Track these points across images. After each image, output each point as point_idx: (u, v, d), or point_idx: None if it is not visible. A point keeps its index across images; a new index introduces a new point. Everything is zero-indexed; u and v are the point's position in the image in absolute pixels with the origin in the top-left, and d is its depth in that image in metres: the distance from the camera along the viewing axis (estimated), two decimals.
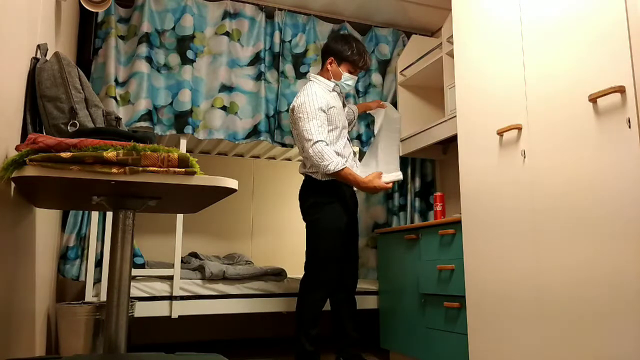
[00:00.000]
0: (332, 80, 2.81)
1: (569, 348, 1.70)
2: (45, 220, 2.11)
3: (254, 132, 3.10)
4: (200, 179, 1.27)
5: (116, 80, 2.86)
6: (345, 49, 2.80)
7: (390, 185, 2.63)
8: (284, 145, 3.20)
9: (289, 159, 4.36)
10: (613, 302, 1.56)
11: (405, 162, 3.44)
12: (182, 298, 2.79)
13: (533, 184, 1.90)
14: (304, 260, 2.68)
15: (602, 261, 1.60)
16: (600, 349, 1.59)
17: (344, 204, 2.68)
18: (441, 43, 3.03)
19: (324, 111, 2.65)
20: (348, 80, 2.83)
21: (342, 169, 2.55)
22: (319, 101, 2.64)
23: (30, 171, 1.13)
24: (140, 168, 1.20)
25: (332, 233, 2.61)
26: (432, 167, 3.53)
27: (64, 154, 1.15)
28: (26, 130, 1.52)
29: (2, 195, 1.29)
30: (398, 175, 2.70)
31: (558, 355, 1.74)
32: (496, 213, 2.08)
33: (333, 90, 2.81)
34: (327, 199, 2.65)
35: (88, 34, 2.97)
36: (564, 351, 1.72)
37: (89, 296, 2.61)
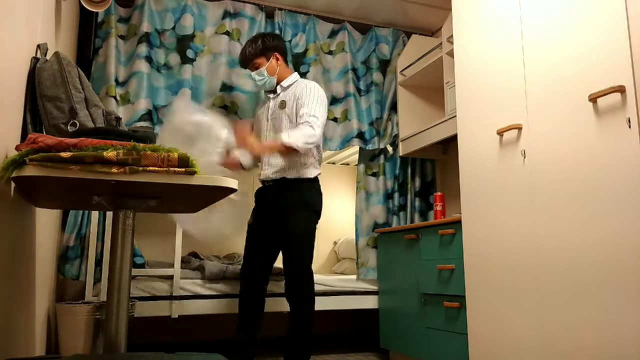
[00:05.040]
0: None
1: (568, 343, 1.70)
2: (45, 220, 2.11)
3: None
4: (201, 179, 1.27)
5: (116, 80, 2.86)
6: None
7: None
8: None
9: None
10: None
11: (405, 162, 3.44)
12: (182, 298, 2.78)
13: (533, 184, 1.90)
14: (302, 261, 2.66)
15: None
16: (601, 349, 1.59)
17: (257, 207, 2.74)
18: (441, 43, 3.03)
19: None
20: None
21: None
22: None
23: (30, 171, 1.13)
24: (140, 168, 1.20)
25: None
26: (432, 167, 3.53)
27: (64, 154, 1.15)
28: (26, 130, 1.52)
29: (2, 195, 1.29)
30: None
31: (558, 352, 1.74)
32: (496, 213, 2.08)
33: None
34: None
35: (88, 34, 2.97)
36: (564, 347, 1.72)
37: (89, 296, 2.61)
